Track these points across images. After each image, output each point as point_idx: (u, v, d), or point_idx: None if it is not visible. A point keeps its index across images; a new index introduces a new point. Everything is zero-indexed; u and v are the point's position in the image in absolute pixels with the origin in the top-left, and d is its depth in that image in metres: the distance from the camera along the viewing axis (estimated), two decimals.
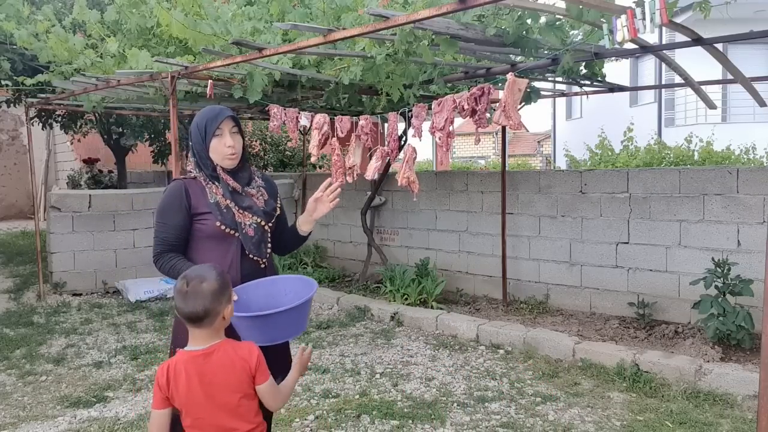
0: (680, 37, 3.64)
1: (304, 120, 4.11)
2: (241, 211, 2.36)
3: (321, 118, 4.02)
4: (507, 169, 6.28)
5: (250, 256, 2.37)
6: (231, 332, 2.28)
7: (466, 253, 6.79)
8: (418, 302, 6.16)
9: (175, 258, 2.33)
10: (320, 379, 4.37)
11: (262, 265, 2.43)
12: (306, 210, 2.59)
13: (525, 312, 5.95)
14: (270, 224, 2.45)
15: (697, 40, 3.53)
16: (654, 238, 5.37)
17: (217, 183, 2.37)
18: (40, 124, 9.80)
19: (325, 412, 3.80)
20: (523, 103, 4.85)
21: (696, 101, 11.51)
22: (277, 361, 2.45)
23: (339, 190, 2.58)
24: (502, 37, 3.45)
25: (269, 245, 2.46)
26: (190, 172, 2.42)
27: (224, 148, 2.34)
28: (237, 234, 2.35)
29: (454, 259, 6.88)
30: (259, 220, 2.40)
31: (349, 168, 3.92)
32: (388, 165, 6.21)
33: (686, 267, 5.17)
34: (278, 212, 2.52)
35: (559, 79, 4.82)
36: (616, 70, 8.29)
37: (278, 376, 2.52)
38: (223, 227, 2.32)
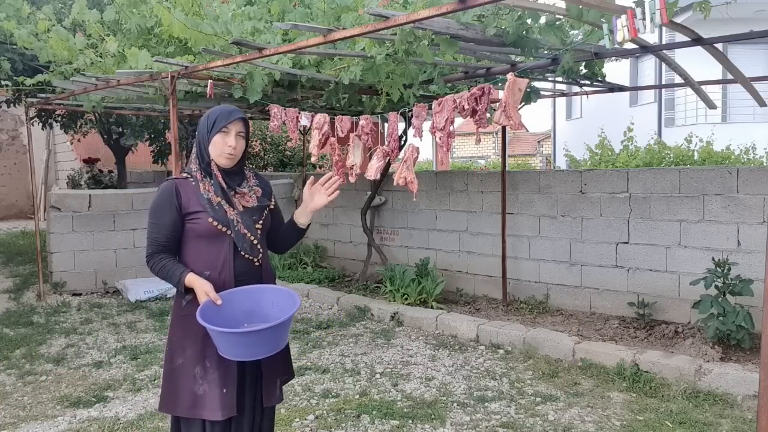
0: (680, 37, 3.64)
1: (304, 120, 4.11)
2: (232, 209, 2.35)
3: (321, 118, 4.02)
4: (507, 169, 6.28)
5: (243, 254, 2.36)
6: (207, 342, 2.27)
7: (466, 253, 6.79)
8: (418, 302, 6.16)
9: (165, 259, 2.33)
10: (320, 378, 4.37)
11: (257, 263, 2.41)
12: (303, 202, 2.55)
13: (525, 312, 5.95)
14: (261, 222, 2.43)
15: (697, 40, 3.53)
16: (654, 238, 5.37)
17: (209, 179, 2.37)
18: (40, 124, 9.81)
19: (325, 412, 3.80)
20: (523, 103, 4.85)
21: (696, 101, 11.51)
22: (278, 362, 2.45)
23: (338, 183, 2.54)
24: (502, 37, 3.45)
25: (262, 243, 2.45)
26: (185, 171, 2.43)
27: (225, 146, 2.33)
28: (230, 232, 2.33)
29: (454, 259, 6.88)
30: (250, 217, 2.40)
31: (350, 168, 3.92)
32: (388, 165, 6.21)
33: (686, 267, 5.17)
34: (270, 209, 2.51)
35: (559, 79, 4.82)
36: (616, 70, 8.30)
37: (279, 379, 2.51)
38: (215, 224, 2.31)
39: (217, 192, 2.35)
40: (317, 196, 2.52)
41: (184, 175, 2.41)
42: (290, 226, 2.58)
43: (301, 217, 2.54)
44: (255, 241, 2.39)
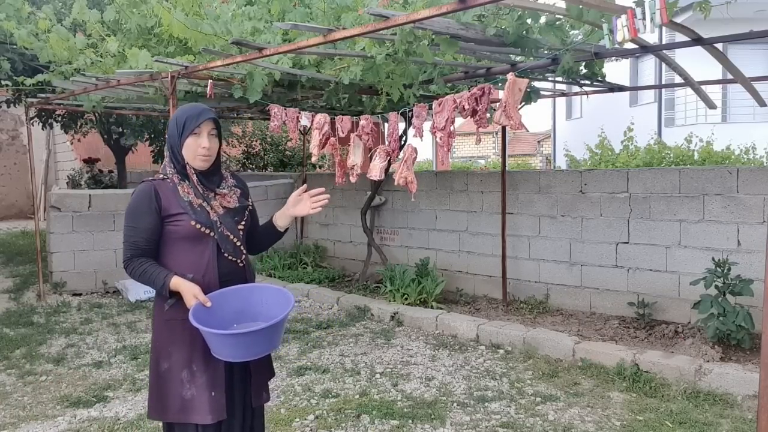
0: (680, 37, 3.64)
1: (304, 120, 4.12)
2: (214, 211, 2.32)
3: (322, 118, 4.02)
4: (507, 169, 6.28)
5: (227, 255, 2.33)
6: (202, 345, 2.24)
7: (466, 253, 6.79)
8: (418, 302, 6.16)
9: (146, 263, 2.27)
10: (320, 378, 4.37)
11: (241, 264, 2.39)
12: (286, 204, 2.52)
13: (525, 312, 5.95)
14: (243, 223, 2.41)
15: (697, 40, 3.53)
16: (654, 238, 5.37)
17: (187, 182, 2.33)
18: (40, 124, 9.81)
19: (325, 412, 3.80)
20: (523, 103, 4.85)
21: (696, 101, 11.51)
22: (263, 362, 2.44)
23: (325, 201, 2.50)
24: (502, 37, 3.45)
25: (244, 244, 2.43)
26: (161, 173, 2.36)
27: (198, 148, 2.28)
28: (213, 234, 2.30)
29: (454, 259, 6.88)
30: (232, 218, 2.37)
31: (351, 167, 3.92)
32: (389, 164, 6.22)
33: (686, 267, 5.17)
34: (249, 210, 2.48)
35: (559, 79, 4.82)
36: (616, 70, 8.30)
37: (265, 378, 2.50)
38: (198, 226, 2.27)
39: (197, 194, 2.31)
40: (301, 204, 2.49)
41: (161, 176, 2.34)
42: (269, 227, 2.54)
43: (280, 220, 2.52)
44: (238, 243, 2.37)
